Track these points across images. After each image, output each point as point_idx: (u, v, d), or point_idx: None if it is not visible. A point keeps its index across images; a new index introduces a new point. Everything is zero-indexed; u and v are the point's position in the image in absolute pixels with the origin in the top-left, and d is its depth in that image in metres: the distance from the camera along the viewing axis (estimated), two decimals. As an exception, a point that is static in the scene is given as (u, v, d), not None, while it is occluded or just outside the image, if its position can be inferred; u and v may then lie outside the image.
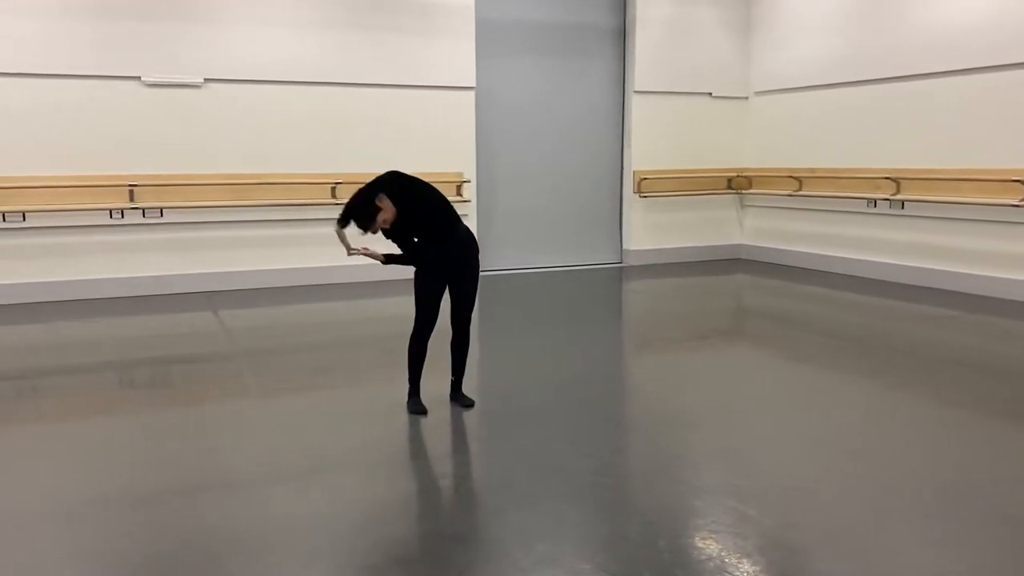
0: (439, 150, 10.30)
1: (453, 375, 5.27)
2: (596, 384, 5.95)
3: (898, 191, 9.81)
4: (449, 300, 5.11)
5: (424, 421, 4.98)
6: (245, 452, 4.56)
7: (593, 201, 11.66)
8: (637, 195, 11.53)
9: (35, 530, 3.62)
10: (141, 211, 9.05)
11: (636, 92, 11.42)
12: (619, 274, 11.15)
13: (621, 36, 11.53)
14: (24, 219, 8.58)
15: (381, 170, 10.21)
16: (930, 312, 8.36)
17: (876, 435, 4.79)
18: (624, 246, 11.78)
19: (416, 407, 5.12)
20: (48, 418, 5.31)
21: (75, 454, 4.55)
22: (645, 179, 11.49)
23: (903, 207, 9.80)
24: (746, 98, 12.06)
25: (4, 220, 8.52)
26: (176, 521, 3.68)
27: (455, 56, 10.29)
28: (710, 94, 11.86)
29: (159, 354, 6.91)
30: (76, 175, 8.77)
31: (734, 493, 3.88)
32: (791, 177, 11.19)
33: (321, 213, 9.75)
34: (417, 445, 4.80)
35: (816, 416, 5.16)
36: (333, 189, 9.75)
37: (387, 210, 4.75)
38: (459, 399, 5.24)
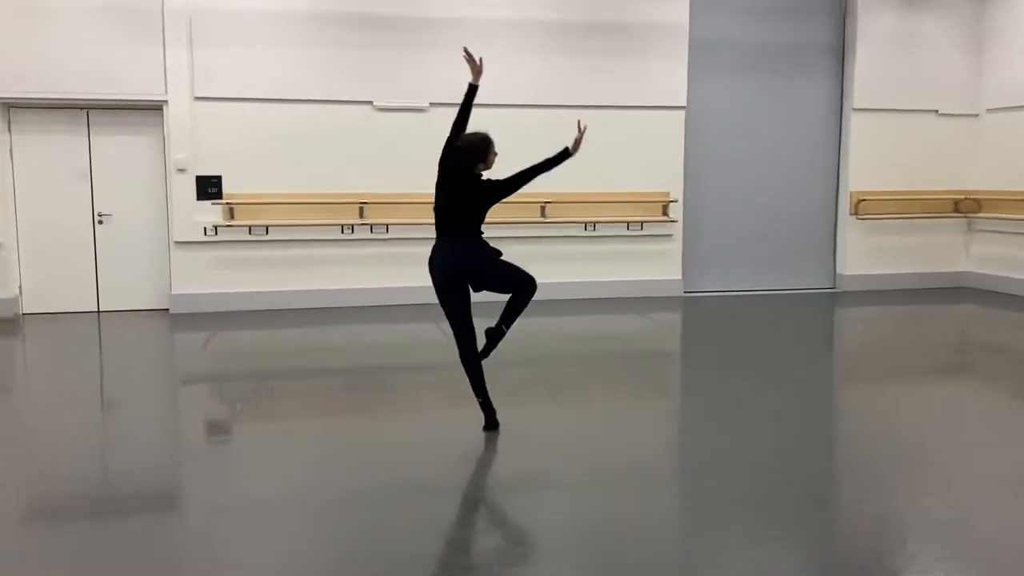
0: (646, 170, 10.34)
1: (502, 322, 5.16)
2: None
3: None
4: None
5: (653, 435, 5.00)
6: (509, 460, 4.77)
7: (805, 223, 11.27)
8: (854, 217, 11.04)
9: (312, 517, 3.96)
10: (369, 227, 9.68)
11: (855, 110, 10.96)
12: (832, 300, 10.70)
13: (839, 53, 11.12)
14: (267, 232, 9.40)
15: (589, 189, 10.44)
16: None
17: None
18: (838, 270, 11.29)
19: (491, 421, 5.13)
20: (295, 416, 5.78)
21: (324, 450, 4.93)
22: (863, 200, 10.98)
23: None
24: (976, 115, 11.28)
25: (250, 233, 9.38)
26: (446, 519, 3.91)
27: (667, 76, 10.31)
28: (936, 111, 11.19)
29: (398, 361, 7.36)
30: (312, 193, 9.51)
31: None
32: (1030, 200, 10.35)
33: (531, 231, 10.08)
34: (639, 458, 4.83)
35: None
36: (543, 208, 10.02)
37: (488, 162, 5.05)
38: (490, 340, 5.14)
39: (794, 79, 11.04)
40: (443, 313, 5.04)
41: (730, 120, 10.86)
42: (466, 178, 4.97)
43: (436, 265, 4.97)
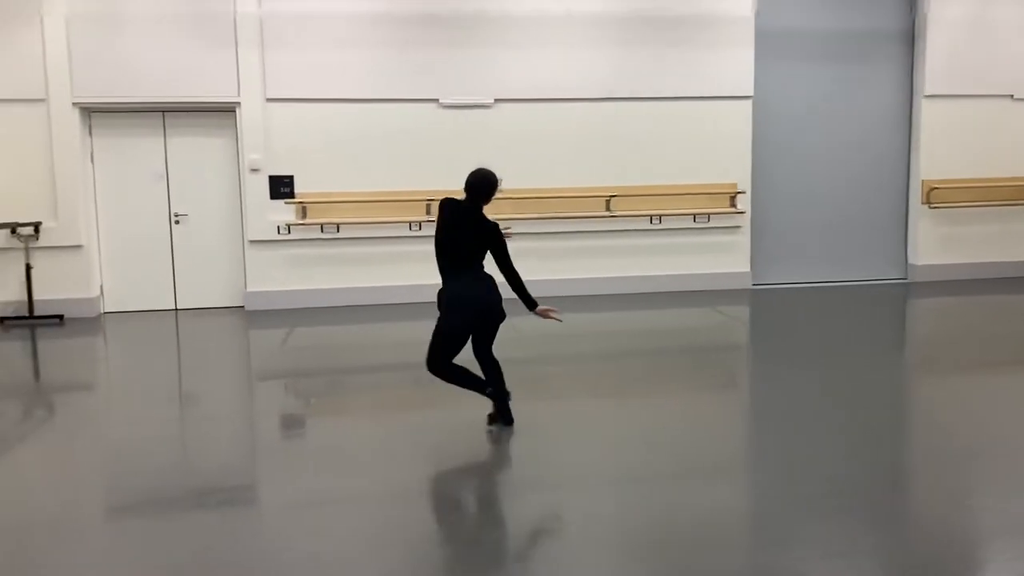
0: (713, 161, 10.25)
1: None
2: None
3: None
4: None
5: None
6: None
7: (875, 213, 11.06)
8: (926, 206, 10.81)
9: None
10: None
11: (926, 97, 10.72)
12: (905, 291, 10.49)
13: (909, 39, 10.88)
14: (338, 230, 9.55)
15: (654, 182, 10.39)
16: None
17: None
18: (910, 261, 11.06)
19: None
20: (369, 410, 5.88)
21: (398, 443, 5.01)
22: (936, 189, 10.74)
23: None
24: (1054, 99, 10.96)
25: (322, 231, 9.54)
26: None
27: (732, 66, 10.21)
28: (1011, 96, 10.88)
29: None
30: (381, 191, 9.63)
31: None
32: (1113, 185, 10.02)
33: (596, 225, 10.07)
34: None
35: None
36: (608, 202, 10.00)
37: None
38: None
39: (863, 66, 10.83)
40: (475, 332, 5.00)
41: (798, 109, 10.71)
42: (478, 211, 4.98)
43: (467, 301, 4.91)
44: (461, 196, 5.01)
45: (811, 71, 10.74)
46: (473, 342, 5.01)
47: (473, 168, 5.08)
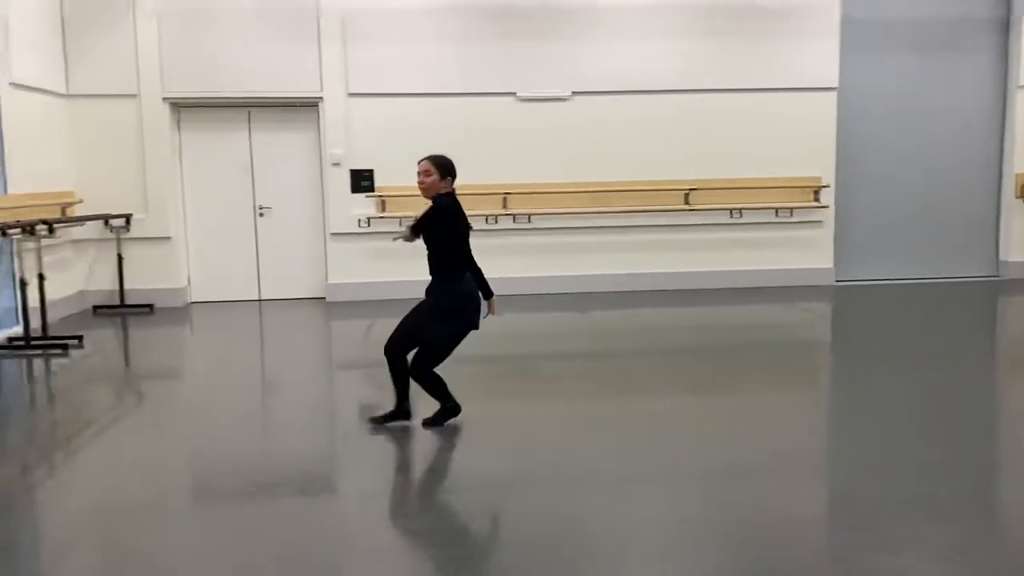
0: (795, 153, 10.04)
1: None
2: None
3: None
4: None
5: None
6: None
7: (964, 208, 10.67)
8: (1020, 200, 10.39)
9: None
10: (512, 217, 9.78)
11: (1021, 87, 10.30)
12: (996, 288, 10.11)
13: (1004, 27, 10.47)
14: (416, 223, 9.62)
15: (735, 175, 10.24)
16: None
17: None
18: (1001, 257, 10.65)
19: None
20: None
21: (475, 436, 5.03)
22: (1031, 183, 10.34)
23: None
24: None
25: (400, 224, 9.61)
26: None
27: (817, 57, 9.97)
28: (1113, 85, 10.40)
29: (545, 349, 7.44)
30: (458, 184, 9.60)
31: None
32: None
33: (674, 219, 9.96)
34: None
35: None
36: (686, 196, 9.87)
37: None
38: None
39: (954, 55, 10.47)
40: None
41: (885, 100, 10.40)
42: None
43: (477, 300, 4.97)
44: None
45: (899, 61, 10.42)
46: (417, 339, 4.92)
47: (438, 154, 5.22)
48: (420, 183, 4.95)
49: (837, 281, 10.30)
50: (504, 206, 9.73)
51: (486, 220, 9.75)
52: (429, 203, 4.98)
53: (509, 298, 9.81)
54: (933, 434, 4.84)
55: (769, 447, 4.65)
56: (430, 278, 4.98)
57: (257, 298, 9.84)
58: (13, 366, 7.05)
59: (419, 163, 4.98)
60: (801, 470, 4.39)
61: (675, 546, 3.49)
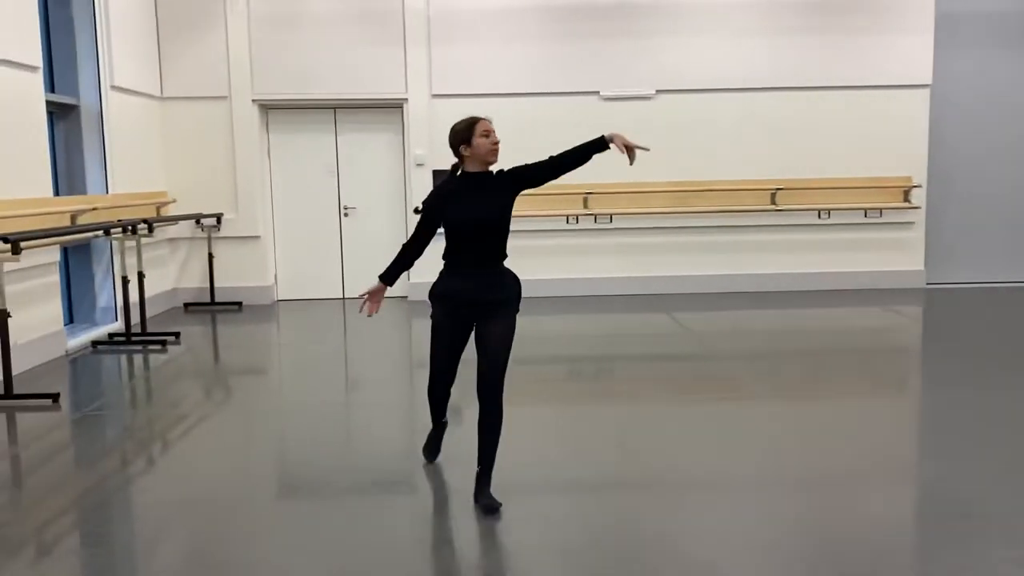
0: (885, 153, 9.78)
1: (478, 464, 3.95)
2: None
3: None
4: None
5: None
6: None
7: (1064, 208, 10.27)
8: (1125, 201, 9.95)
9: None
10: (593, 217, 9.73)
11: None
12: (1098, 292, 9.70)
13: (1109, 19, 10.03)
14: (497, 223, 9.64)
15: (822, 175, 9.98)
16: None
17: None
18: (1103, 260, 10.22)
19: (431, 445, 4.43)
20: (520, 403, 5.89)
21: (551, 437, 4.99)
22: None
23: None
24: None
25: (482, 224, 9.66)
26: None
27: (909, 53, 9.68)
28: None
29: (624, 351, 7.38)
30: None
31: None
32: None
33: (761, 220, 9.79)
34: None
35: None
36: (773, 196, 9.69)
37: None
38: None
39: (1054, 50, 10.07)
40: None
41: (980, 98, 10.06)
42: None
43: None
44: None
45: (996, 57, 10.07)
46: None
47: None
48: (496, 145, 4.04)
49: (928, 284, 9.99)
50: (585, 206, 9.68)
51: (567, 220, 9.73)
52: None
53: (587, 299, 9.84)
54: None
55: (859, 456, 4.53)
56: (482, 271, 3.99)
57: (341, 296, 9.99)
58: (114, 361, 7.30)
59: (486, 122, 4.09)
60: (898, 476, 4.26)
61: (741, 553, 3.42)
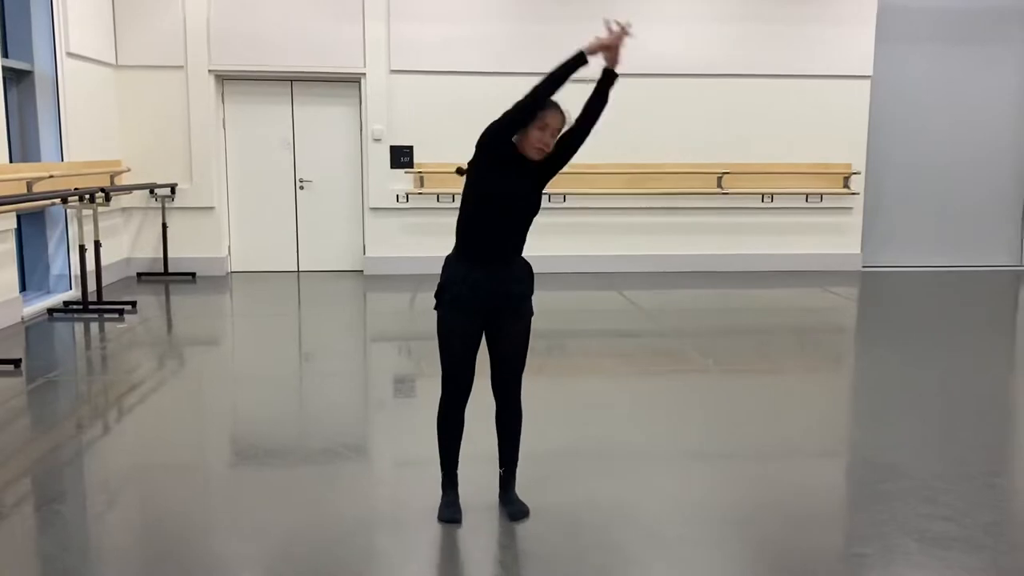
0: (827, 140, 10.17)
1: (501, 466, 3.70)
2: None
3: None
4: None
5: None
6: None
7: (994, 198, 10.80)
8: (1048, 192, 10.52)
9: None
10: (547, 196, 9.90)
11: (1055, 79, 10.40)
12: (1020, 279, 10.25)
13: (1040, 18, 10.54)
14: (453, 200, 9.79)
15: (767, 160, 10.29)
16: None
17: None
18: (1026, 248, 10.80)
19: (447, 511, 3.58)
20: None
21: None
22: (1060, 175, 10.44)
23: None
24: None
25: (438, 201, 9.81)
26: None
27: (852, 45, 10.07)
28: None
29: (578, 327, 7.65)
30: (495, 162, 9.81)
31: None
32: None
33: (707, 202, 10.11)
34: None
35: None
36: (719, 179, 10.02)
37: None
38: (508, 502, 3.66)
39: (990, 45, 10.56)
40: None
41: (919, 89, 10.52)
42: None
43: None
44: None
45: (934, 51, 10.51)
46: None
47: None
48: (544, 147, 3.46)
49: (864, 266, 10.46)
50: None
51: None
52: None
53: (539, 277, 9.98)
54: (945, 420, 5.03)
55: (800, 427, 4.86)
56: (500, 263, 3.55)
57: (295, 269, 10.07)
58: (71, 329, 7.32)
59: (556, 116, 3.52)
60: (833, 448, 4.60)
61: (669, 523, 3.70)
